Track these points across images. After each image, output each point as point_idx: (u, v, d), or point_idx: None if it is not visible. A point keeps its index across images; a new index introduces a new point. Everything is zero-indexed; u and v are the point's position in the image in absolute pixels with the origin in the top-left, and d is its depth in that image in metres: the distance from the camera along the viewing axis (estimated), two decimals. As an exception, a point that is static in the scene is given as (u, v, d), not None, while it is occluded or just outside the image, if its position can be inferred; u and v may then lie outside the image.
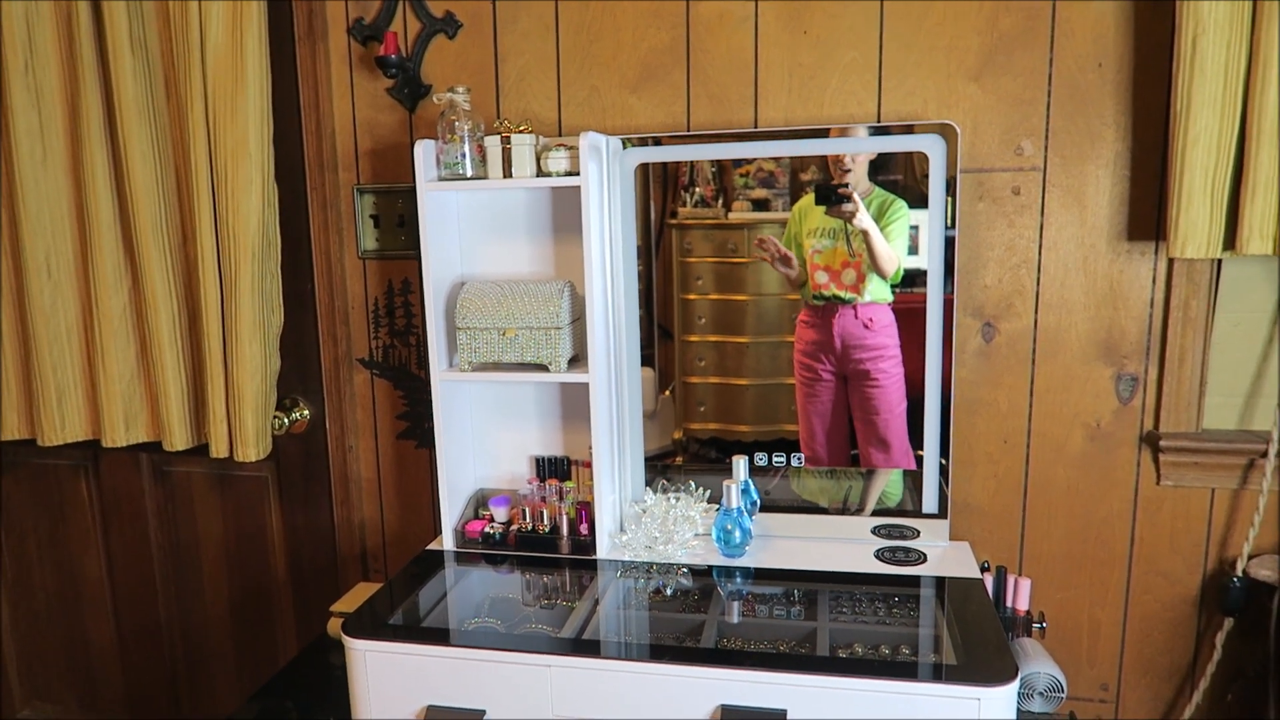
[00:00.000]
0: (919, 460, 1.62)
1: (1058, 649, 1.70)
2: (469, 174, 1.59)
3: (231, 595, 2.16)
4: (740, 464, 1.67)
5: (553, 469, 1.75)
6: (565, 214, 1.69)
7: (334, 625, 1.77)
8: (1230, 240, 1.45)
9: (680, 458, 1.75)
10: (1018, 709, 1.37)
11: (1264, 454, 1.54)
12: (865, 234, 1.58)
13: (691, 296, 1.72)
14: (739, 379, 1.74)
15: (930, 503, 1.64)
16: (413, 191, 1.65)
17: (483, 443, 1.79)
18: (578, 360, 1.65)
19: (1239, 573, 1.57)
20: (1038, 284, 1.62)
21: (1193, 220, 1.44)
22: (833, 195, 1.59)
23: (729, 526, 1.59)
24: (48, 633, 2.32)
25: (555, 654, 1.30)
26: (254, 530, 2.11)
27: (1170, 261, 1.57)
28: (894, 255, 1.58)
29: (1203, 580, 1.64)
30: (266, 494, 2.09)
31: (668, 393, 1.77)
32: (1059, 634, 1.70)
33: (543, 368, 1.61)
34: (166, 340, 1.88)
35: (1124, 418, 1.62)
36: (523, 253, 1.73)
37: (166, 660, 2.24)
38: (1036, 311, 1.63)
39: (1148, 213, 1.56)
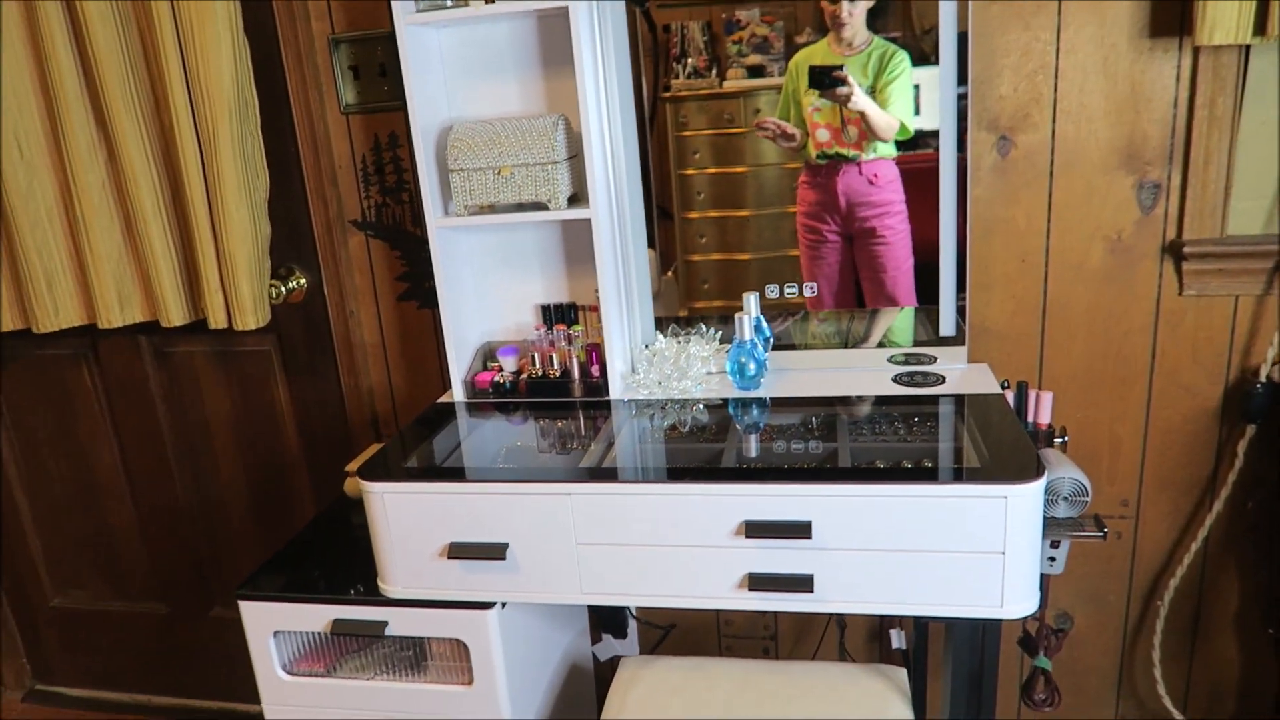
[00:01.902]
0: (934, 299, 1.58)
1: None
2: (449, 1, 1.49)
3: (247, 472, 2.15)
4: (751, 299, 1.63)
5: (559, 316, 1.71)
6: (554, 48, 1.59)
7: (350, 485, 1.77)
8: (1261, 25, 1.37)
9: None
10: (1044, 515, 1.36)
11: (1291, 253, 1.49)
12: (863, 115, 1.52)
13: (689, 172, 1.66)
14: (741, 254, 1.69)
15: (948, 326, 1.60)
16: (391, 37, 1.56)
17: (486, 296, 1.75)
18: (577, 199, 1.58)
19: (1262, 378, 1.54)
20: (1055, 91, 1.54)
21: (1220, 3, 1.36)
22: (826, 79, 1.53)
23: (743, 359, 1.56)
24: (70, 523, 2.33)
25: (576, 482, 1.28)
26: (262, 406, 2.09)
27: (1195, 58, 1.49)
28: (893, 122, 1.53)
29: (1225, 391, 1.61)
30: (271, 368, 2.06)
31: (670, 273, 1.73)
32: (1079, 453, 1.69)
33: (542, 206, 1.55)
34: (151, 213, 1.82)
35: (1146, 228, 1.56)
36: (512, 92, 1.64)
37: (189, 541, 2.26)
38: (1054, 121, 1.56)
39: (1171, 4, 1.47)
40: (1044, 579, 1.53)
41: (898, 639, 1.82)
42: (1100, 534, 1.34)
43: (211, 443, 2.16)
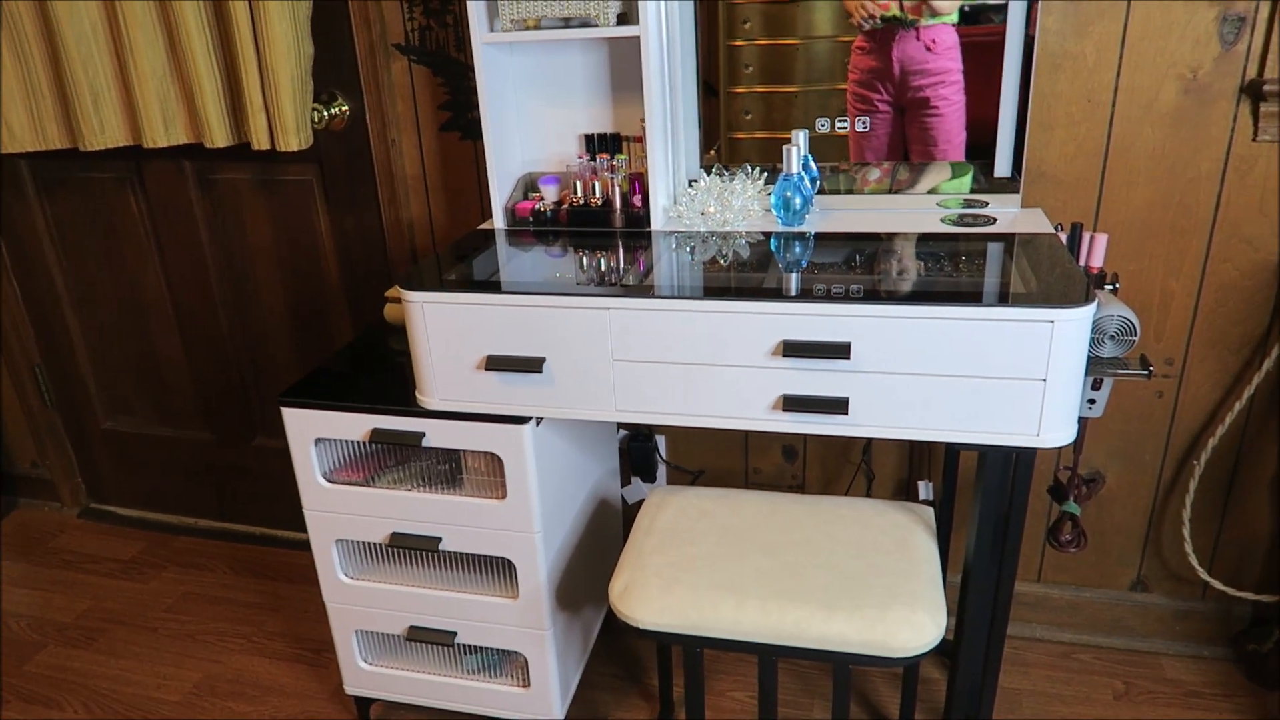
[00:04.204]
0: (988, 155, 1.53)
1: (1125, 324, 1.65)
2: None
3: (288, 303, 2.18)
4: (800, 134, 1.58)
5: (603, 146, 1.67)
6: None
7: (390, 310, 1.78)
8: None
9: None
10: (1089, 353, 1.34)
11: (1380, 96, 1.40)
12: None
13: (738, 43, 1.58)
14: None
15: (1003, 165, 1.55)
16: None
17: (530, 124, 1.72)
18: (626, 18, 1.53)
19: (1332, 231, 1.48)
20: (1142, -88, 1.44)
21: None
22: None
23: (788, 194, 1.53)
24: (119, 347, 2.40)
25: (614, 296, 1.28)
26: (304, 236, 2.10)
27: (1300, -123, 1.37)
28: None
29: (1289, 245, 1.55)
30: (313, 198, 2.06)
31: (713, 152, 1.67)
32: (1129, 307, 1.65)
33: (589, 24, 1.49)
34: (194, 28, 1.79)
35: (1224, 65, 1.48)
36: (563, -98, 1.57)
37: (232, 370, 2.31)
38: (1137, -53, 1.46)
39: None
40: (1082, 423, 1.52)
41: (925, 490, 1.84)
42: (1146, 373, 1.32)
43: (254, 272, 2.18)
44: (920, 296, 1.19)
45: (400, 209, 1.98)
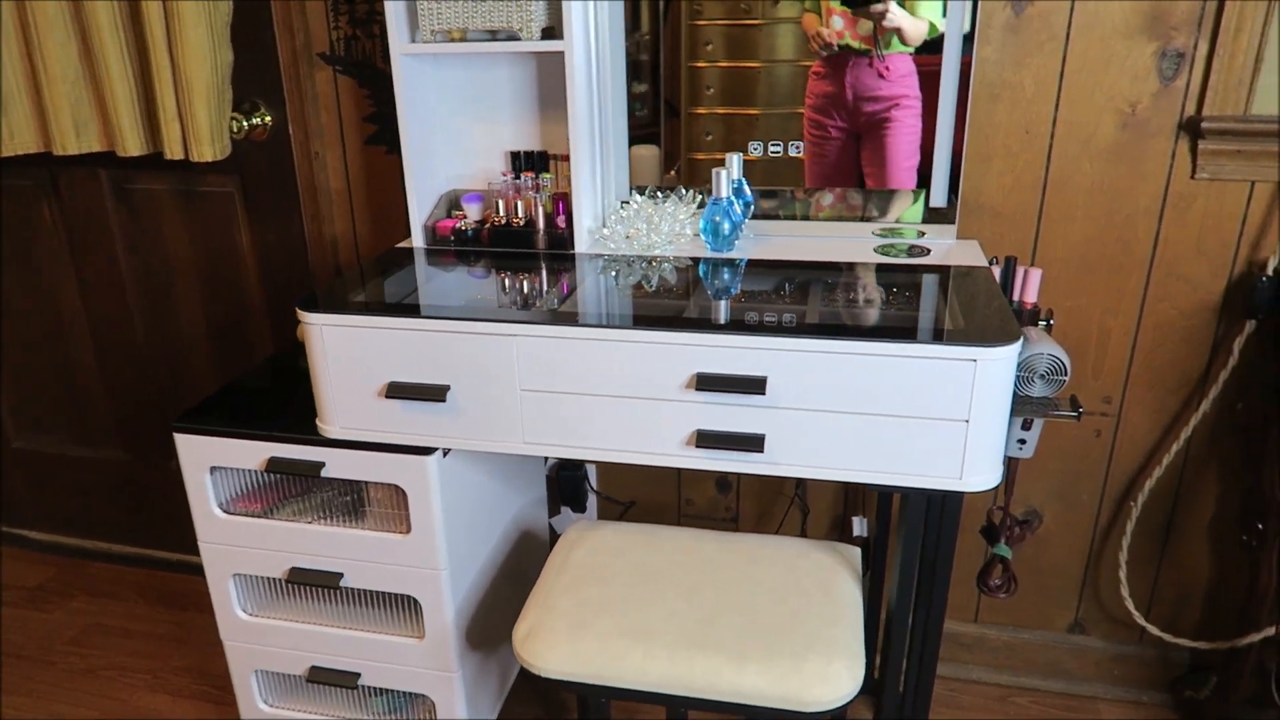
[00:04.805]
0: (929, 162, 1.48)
1: (1063, 361, 1.61)
2: None
3: (209, 317, 2.09)
4: (734, 158, 1.53)
5: (529, 164, 1.61)
6: None
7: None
8: None
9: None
10: (1017, 392, 1.29)
11: (1317, 135, 1.37)
12: (899, 30, 1.42)
13: (700, 64, 1.53)
14: (749, 156, 1.58)
15: (939, 196, 1.50)
16: None
17: (456, 140, 1.65)
18: (553, 32, 1.47)
19: (1270, 271, 1.44)
20: (1080, -58, 1.41)
21: None
22: None
23: (717, 218, 1.47)
24: (34, 362, 2.28)
25: (522, 323, 1.21)
26: (225, 250, 2.00)
27: (1238, -89, 1.34)
28: (923, 27, 1.42)
29: (1228, 285, 1.52)
30: (234, 210, 1.97)
31: (673, 173, 1.62)
32: (1065, 344, 1.61)
33: (515, 37, 1.43)
34: (108, 31, 1.70)
35: (1163, 101, 1.44)
36: (491, -89, 1.51)
37: (152, 386, 2.21)
38: (1076, -24, 1.42)
39: None
40: (1012, 463, 1.47)
41: (860, 526, 1.78)
42: (1074, 414, 1.27)
43: (174, 285, 2.08)
44: (840, 330, 1.13)
45: (324, 224, 1.90)
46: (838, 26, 1.47)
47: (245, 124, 1.82)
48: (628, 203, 1.58)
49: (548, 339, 1.20)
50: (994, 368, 1.08)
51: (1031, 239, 1.57)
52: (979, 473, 1.14)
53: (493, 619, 1.59)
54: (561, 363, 1.21)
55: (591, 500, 1.97)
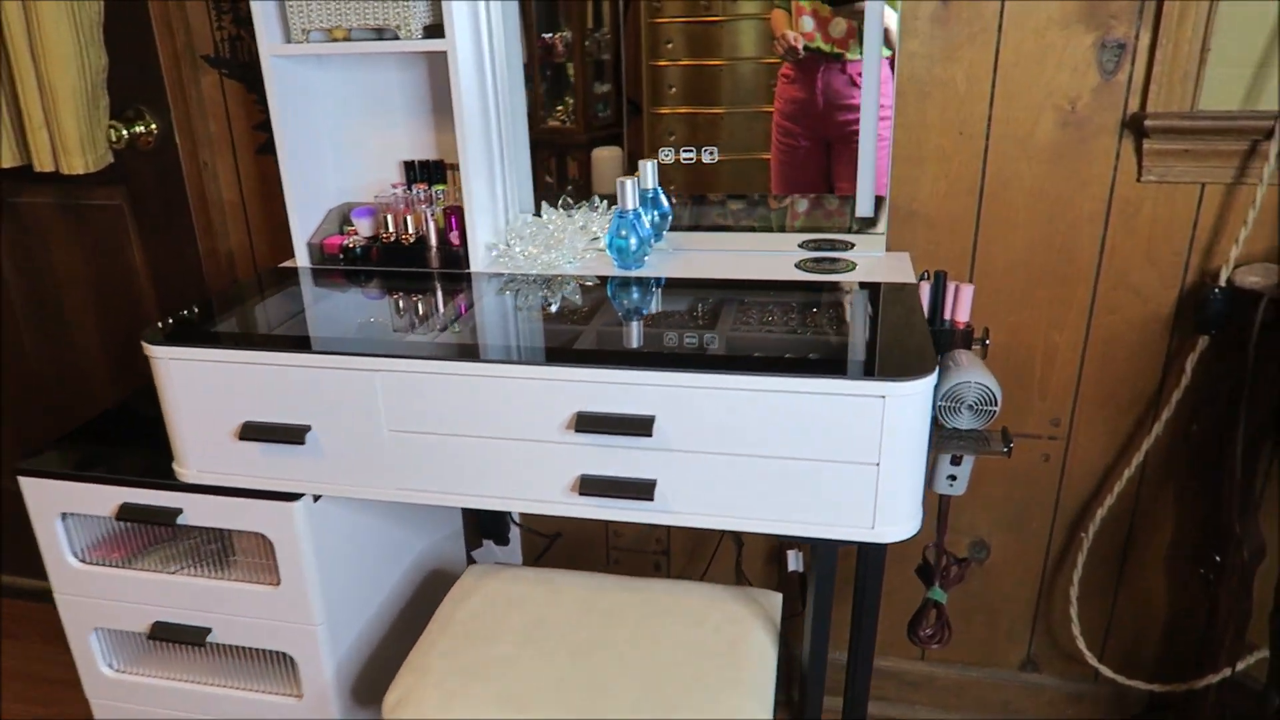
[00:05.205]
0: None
1: (1008, 380, 1.49)
2: None
3: (103, 337, 1.94)
4: (648, 165, 1.40)
5: (424, 174, 1.48)
6: None
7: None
8: None
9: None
10: (943, 425, 1.16)
11: (1270, 133, 1.25)
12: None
13: (662, 63, 1.41)
14: (677, 158, 1.45)
15: (864, 205, 1.38)
16: None
17: (347, 150, 1.51)
18: (437, 31, 1.33)
19: (1222, 282, 1.32)
20: (1013, -75, 1.28)
21: None
22: None
23: (624, 233, 1.34)
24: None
25: (383, 356, 1.07)
26: (117, 266, 1.86)
27: (1182, -111, 1.22)
28: None
29: (1179, 296, 1.40)
30: (124, 224, 1.82)
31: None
32: (1010, 363, 1.48)
33: (396, 38, 1.30)
34: (-31, 32, 1.56)
35: (1105, 97, 1.32)
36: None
37: (47, 409, 2.06)
38: (1009, -37, 1.30)
39: None
40: (944, 501, 1.34)
41: (795, 560, 1.65)
42: (1005, 450, 1.14)
43: (64, 304, 1.94)
44: (732, 363, 1.00)
45: (217, 238, 1.76)
46: (807, 28, 1.33)
47: (126, 132, 1.68)
48: (538, 215, 1.45)
49: (412, 374, 1.07)
50: (905, 404, 0.96)
51: (969, 248, 1.45)
52: (892, 521, 1.01)
53: (390, 671, 1.45)
54: (430, 400, 1.08)
55: (514, 534, 1.83)
